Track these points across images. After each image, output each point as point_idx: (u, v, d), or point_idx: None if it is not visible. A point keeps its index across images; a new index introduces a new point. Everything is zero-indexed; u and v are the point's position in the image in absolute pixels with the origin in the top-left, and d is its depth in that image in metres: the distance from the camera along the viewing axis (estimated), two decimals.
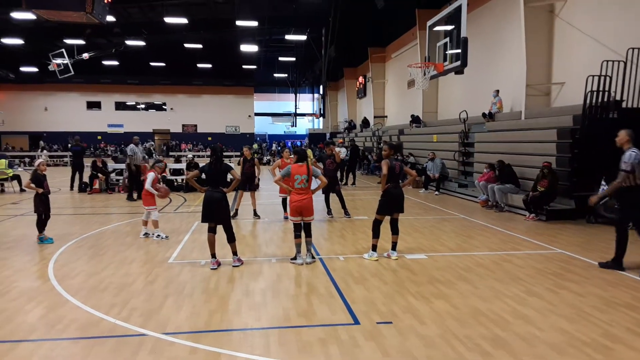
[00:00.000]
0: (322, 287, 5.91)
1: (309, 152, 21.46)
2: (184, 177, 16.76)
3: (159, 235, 8.74)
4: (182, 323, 4.76)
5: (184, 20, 26.32)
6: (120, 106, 47.98)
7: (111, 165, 17.87)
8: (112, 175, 17.22)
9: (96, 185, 16.49)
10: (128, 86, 47.00)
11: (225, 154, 21.49)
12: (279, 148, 40.89)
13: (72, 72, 27.84)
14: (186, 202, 14.01)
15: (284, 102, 51.35)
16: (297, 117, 47.68)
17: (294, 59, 39.29)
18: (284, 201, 10.82)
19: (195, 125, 49.07)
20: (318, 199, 9.46)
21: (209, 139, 47.05)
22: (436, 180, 16.00)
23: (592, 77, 10.73)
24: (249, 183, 10.94)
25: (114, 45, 33.52)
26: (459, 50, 11.92)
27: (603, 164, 10.18)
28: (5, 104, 43.86)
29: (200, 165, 9.66)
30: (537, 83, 14.00)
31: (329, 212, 11.20)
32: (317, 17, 27.88)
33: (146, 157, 14.91)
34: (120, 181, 16.86)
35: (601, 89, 10.75)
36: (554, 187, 10.45)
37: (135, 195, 14.43)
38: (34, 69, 39.62)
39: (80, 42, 29.51)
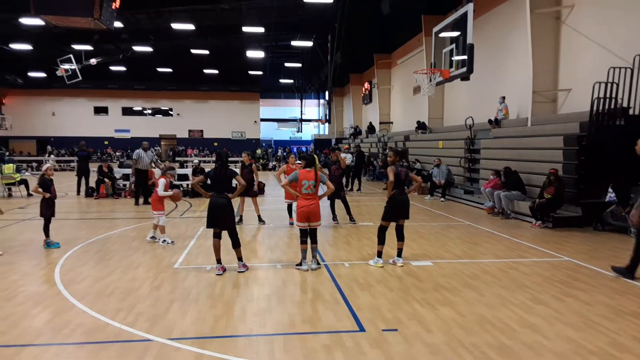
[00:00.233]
0: (328, 293, 5.90)
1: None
2: (189, 182, 16.81)
3: (164, 241, 8.76)
4: (187, 328, 4.76)
5: (190, 27, 26.48)
6: (127, 111, 48.25)
7: (117, 170, 17.97)
8: (120, 180, 17.31)
9: (103, 190, 16.57)
10: (135, 91, 47.27)
11: (231, 159, 21.54)
12: (285, 154, 40.96)
13: (80, 78, 28.03)
14: (192, 207, 14.04)
15: (290, 108, 51.43)
16: (303, 122, 47.71)
17: (300, 64, 39.41)
18: (289, 207, 10.82)
19: (202, 131, 49.24)
20: (323, 204, 9.45)
21: (215, 144, 47.18)
22: (442, 187, 15.97)
23: (598, 84, 10.70)
24: (248, 189, 10.93)
25: (122, 51, 33.75)
26: (465, 57, 11.90)
27: (610, 171, 10.17)
28: (13, 108, 44.25)
29: (207, 170, 9.69)
30: (543, 89, 13.96)
31: (334, 218, 11.19)
32: (323, 23, 27.99)
33: (154, 161, 14.90)
34: (127, 186, 16.93)
35: (608, 95, 10.71)
36: (560, 194, 10.40)
37: (141, 200, 14.49)
38: (42, 74, 39.91)
39: (88, 47, 29.72)
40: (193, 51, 33.94)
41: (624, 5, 11.50)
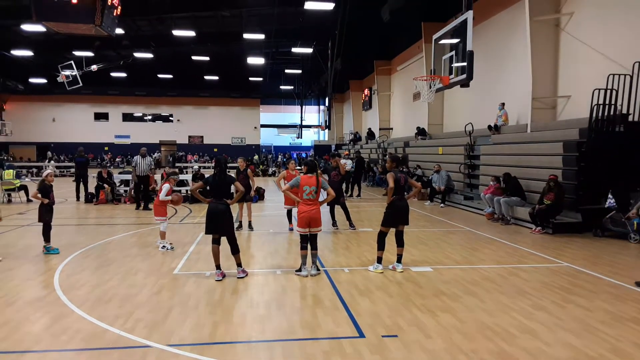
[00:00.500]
0: (327, 299, 5.89)
1: None
2: (187, 188, 16.82)
3: (164, 246, 8.76)
4: (186, 335, 4.75)
5: (191, 33, 26.61)
6: (128, 117, 48.29)
7: (117, 176, 17.97)
8: (120, 186, 17.32)
9: (102, 196, 16.56)
10: (135, 97, 47.33)
11: (230, 165, 21.52)
12: (285, 159, 40.97)
13: (81, 84, 28.08)
14: (191, 213, 14.04)
15: (290, 114, 51.50)
16: (303, 128, 47.82)
17: (300, 71, 39.51)
18: (289, 213, 10.82)
19: (202, 137, 49.28)
20: (324, 210, 9.44)
21: (215, 150, 47.21)
22: (442, 193, 15.97)
23: (598, 91, 10.73)
24: (244, 194, 10.88)
25: (123, 57, 33.86)
26: (465, 64, 11.93)
27: (610, 177, 10.18)
28: (14, 114, 44.28)
29: (207, 176, 9.70)
30: (542, 96, 13.99)
31: (334, 223, 11.19)
32: (323, 30, 28.07)
33: (153, 168, 14.96)
34: (127, 192, 16.93)
35: (607, 102, 10.74)
36: (560, 200, 10.40)
37: (141, 206, 14.52)
38: (43, 80, 40.00)
39: (89, 54, 29.81)
40: (194, 57, 34.06)
41: (623, 12, 11.56)
